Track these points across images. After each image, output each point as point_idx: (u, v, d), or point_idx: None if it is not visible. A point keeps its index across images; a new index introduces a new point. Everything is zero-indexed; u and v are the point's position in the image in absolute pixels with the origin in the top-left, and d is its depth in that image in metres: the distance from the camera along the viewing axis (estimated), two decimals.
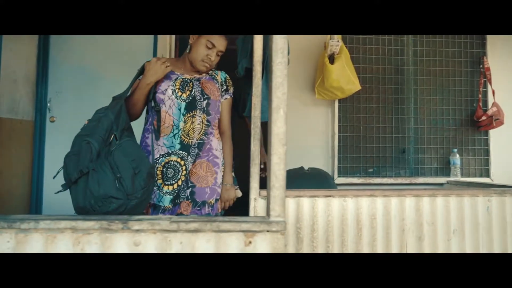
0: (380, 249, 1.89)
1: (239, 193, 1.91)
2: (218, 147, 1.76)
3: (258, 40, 1.94)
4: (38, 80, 2.82)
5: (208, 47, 1.69)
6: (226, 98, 1.81)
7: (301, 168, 2.86)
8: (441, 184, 2.90)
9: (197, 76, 1.74)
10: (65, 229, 1.04)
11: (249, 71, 2.12)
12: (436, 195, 1.95)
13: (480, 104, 2.94)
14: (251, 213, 1.91)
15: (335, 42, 2.66)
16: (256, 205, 1.91)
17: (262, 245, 1.07)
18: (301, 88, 2.91)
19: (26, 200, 2.70)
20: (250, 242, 1.07)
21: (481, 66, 2.98)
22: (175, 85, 1.67)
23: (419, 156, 2.96)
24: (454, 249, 1.92)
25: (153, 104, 1.64)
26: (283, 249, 1.07)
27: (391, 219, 1.94)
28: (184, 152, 1.64)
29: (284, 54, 1.09)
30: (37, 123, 2.80)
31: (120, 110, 1.45)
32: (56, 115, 2.88)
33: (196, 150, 1.67)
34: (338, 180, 2.86)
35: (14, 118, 2.55)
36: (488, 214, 1.97)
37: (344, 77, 2.65)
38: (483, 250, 1.94)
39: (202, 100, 1.69)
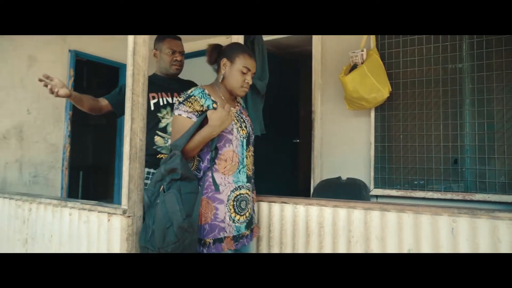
0: None
1: None
2: None
3: None
4: None
5: (244, 72, 1.68)
6: None
7: (338, 178, 2.95)
8: (510, 204, 2.32)
9: (238, 107, 1.80)
10: (41, 202, 1.96)
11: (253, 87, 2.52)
12: (387, 209, 1.86)
13: None
14: None
15: (355, 53, 2.68)
16: None
17: (116, 221, 1.65)
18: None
19: None
20: (109, 220, 1.68)
21: None
22: (235, 122, 1.69)
23: (478, 168, 2.44)
24: None
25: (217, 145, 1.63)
26: (125, 227, 1.62)
27: (339, 229, 1.96)
28: (248, 183, 1.72)
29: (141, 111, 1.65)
30: None
31: (173, 161, 1.51)
32: None
33: (252, 180, 1.80)
34: (375, 191, 2.76)
35: None
36: (453, 237, 1.70)
37: (366, 86, 2.61)
38: None
39: (252, 134, 1.79)
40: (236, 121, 1.68)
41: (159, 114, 2.16)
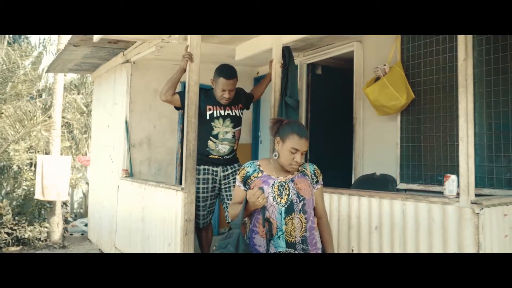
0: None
1: None
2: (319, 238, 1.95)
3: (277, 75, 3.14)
4: (253, 120, 5.11)
5: (292, 152, 1.83)
6: (317, 188, 1.98)
7: (373, 173, 3.48)
8: None
9: (290, 176, 1.90)
10: (149, 184, 3.18)
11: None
12: (362, 195, 2.44)
13: None
14: None
15: (377, 68, 3.20)
16: None
17: (179, 195, 2.71)
18: None
19: None
20: (176, 194, 2.76)
21: None
22: (274, 191, 1.85)
23: (486, 165, 2.65)
24: (374, 242, 2.34)
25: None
26: (183, 198, 2.65)
27: (333, 210, 2.61)
28: (290, 249, 1.81)
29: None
30: (252, 145, 5.08)
31: (238, 240, 1.74)
32: (263, 140, 5.05)
33: (302, 246, 1.84)
34: (401, 185, 3.17)
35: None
36: (403, 217, 2.20)
37: (385, 95, 3.08)
38: (398, 246, 2.22)
39: (298, 202, 1.84)
40: (275, 189, 1.85)
41: (212, 123, 2.95)
